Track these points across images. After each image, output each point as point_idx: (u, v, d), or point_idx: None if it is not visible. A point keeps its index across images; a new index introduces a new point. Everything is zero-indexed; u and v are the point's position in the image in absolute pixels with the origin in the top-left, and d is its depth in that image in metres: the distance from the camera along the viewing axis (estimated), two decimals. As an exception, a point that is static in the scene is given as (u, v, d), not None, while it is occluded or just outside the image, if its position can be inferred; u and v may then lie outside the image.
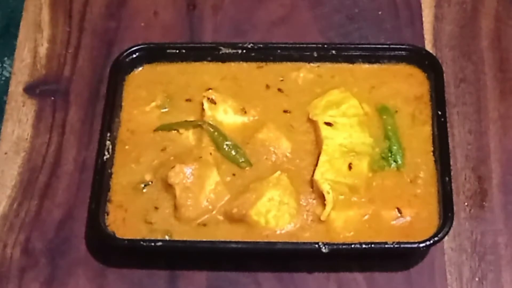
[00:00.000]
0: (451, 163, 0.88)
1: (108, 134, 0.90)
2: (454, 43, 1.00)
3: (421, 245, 0.82)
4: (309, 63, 0.95)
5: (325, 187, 0.86)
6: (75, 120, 0.96)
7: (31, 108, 0.97)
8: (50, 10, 1.04)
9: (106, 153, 0.89)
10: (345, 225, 0.85)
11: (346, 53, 0.95)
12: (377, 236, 0.84)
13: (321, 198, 0.86)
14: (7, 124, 0.96)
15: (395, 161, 0.88)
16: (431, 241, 0.82)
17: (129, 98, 0.94)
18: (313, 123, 0.91)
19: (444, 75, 0.93)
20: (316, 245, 0.82)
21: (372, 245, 0.82)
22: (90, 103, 0.97)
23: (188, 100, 0.94)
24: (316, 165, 0.87)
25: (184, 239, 0.85)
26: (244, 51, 0.95)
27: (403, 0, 1.03)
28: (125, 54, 0.95)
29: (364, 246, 0.82)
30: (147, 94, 0.94)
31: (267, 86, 0.94)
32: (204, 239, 0.84)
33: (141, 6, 1.05)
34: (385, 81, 0.94)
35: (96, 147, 0.90)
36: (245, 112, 0.92)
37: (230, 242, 0.84)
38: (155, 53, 0.96)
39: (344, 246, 0.83)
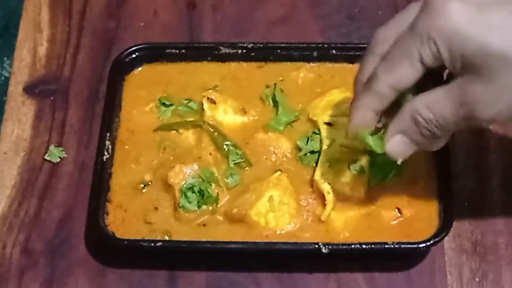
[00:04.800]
0: (451, 163, 0.87)
1: (108, 134, 0.90)
2: (454, 43, 1.00)
3: (421, 245, 0.82)
4: (309, 63, 0.95)
5: (325, 187, 0.85)
6: (74, 120, 0.96)
7: (31, 108, 0.97)
8: (49, 10, 1.04)
9: (106, 153, 0.89)
10: (345, 225, 0.85)
11: (346, 53, 0.95)
12: (377, 236, 0.84)
13: (321, 198, 0.86)
14: (7, 124, 0.96)
15: (395, 161, 0.88)
16: (431, 241, 0.82)
17: (128, 98, 0.94)
18: (313, 123, 0.91)
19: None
20: (316, 246, 0.82)
21: (372, 245, 0.82)
22: (89, 103, 0.97)
23: (188, 100, 0.94)
24: (316, 165, 0.87)
25: (184, 239, 0.85)
26: (244, 51, 0.95)
27: (403, 0, 1.03)
28: (124, 54, 0.95)
29: (364, 246, 0.82)
30: (147, 94, 0.94)
31: (267, 86, 0.94)
32: (204, 239, 0.84)
33: (140, 6, 1.04)
34: (385, 81, 0.94)
35: (96, 147, 0.90)
36: (245, 112, 0.92)
37: (230, 242, 0.84)
38: (155, 53, 0.96)
39: (344, 246, 0.83)
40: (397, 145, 0.75)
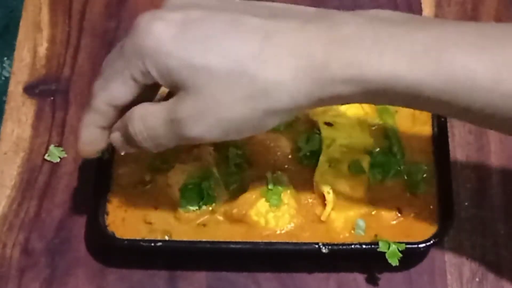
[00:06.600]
0: (451, 163, 0.87)
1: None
2: (454, 43, 1.00)
3: (421, 245, 0.82)
4: (309, 63, 0.95)
5: (325, 187, 0.85)
6: (75, 120, 0.96)
7: (31, 108, 0.97)
8: (49, 10, 1.04)
9: (106, 153, 0.89)
10: (345, 225, 0.85)
11: (346, 53, 0.95)
12: (377, 236, 0.84)
13: (321, 198, 0.86)
14: (7, 124, 0.96)
15: (396, 161, 0.88)
16: (431, 241, 0.82)
17: (128, 98, 0.94)
18: (313, 123, 0.91)
19: (444, 75, 0.93)
20: (316, 245, 0.82)
21: (372, 245, 0.82)
22: (89, 103, 0.97)
23: (188, 100, 0.93)
24: (316, 165, 0.87)
25: (184, 239, 0.85)
26: (244, 51, 0.95)
27: (404, 0, 1.03)
28: (124, 54, 0.95)
29: (364, 246, 0.82)
30: (147, 94, 0.94)
31: (267, 86, 0.94)
32: (204, 239, 0.84)
33: (141, 6, 1.04)
34: (385, 81, 0.94)
35: (96, 147, 0.90)
36: (245, 112, 0.92)
37: (230, 242, 0.84)
38: (155, 53, 0.95)
39: (344, 246, 0.83)
40: (115, 140, 0.77)
